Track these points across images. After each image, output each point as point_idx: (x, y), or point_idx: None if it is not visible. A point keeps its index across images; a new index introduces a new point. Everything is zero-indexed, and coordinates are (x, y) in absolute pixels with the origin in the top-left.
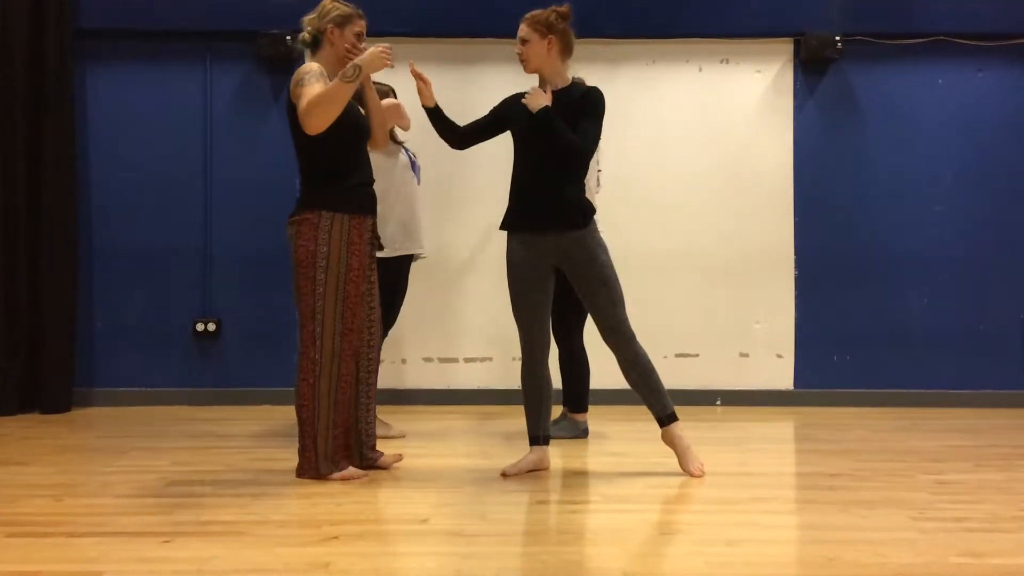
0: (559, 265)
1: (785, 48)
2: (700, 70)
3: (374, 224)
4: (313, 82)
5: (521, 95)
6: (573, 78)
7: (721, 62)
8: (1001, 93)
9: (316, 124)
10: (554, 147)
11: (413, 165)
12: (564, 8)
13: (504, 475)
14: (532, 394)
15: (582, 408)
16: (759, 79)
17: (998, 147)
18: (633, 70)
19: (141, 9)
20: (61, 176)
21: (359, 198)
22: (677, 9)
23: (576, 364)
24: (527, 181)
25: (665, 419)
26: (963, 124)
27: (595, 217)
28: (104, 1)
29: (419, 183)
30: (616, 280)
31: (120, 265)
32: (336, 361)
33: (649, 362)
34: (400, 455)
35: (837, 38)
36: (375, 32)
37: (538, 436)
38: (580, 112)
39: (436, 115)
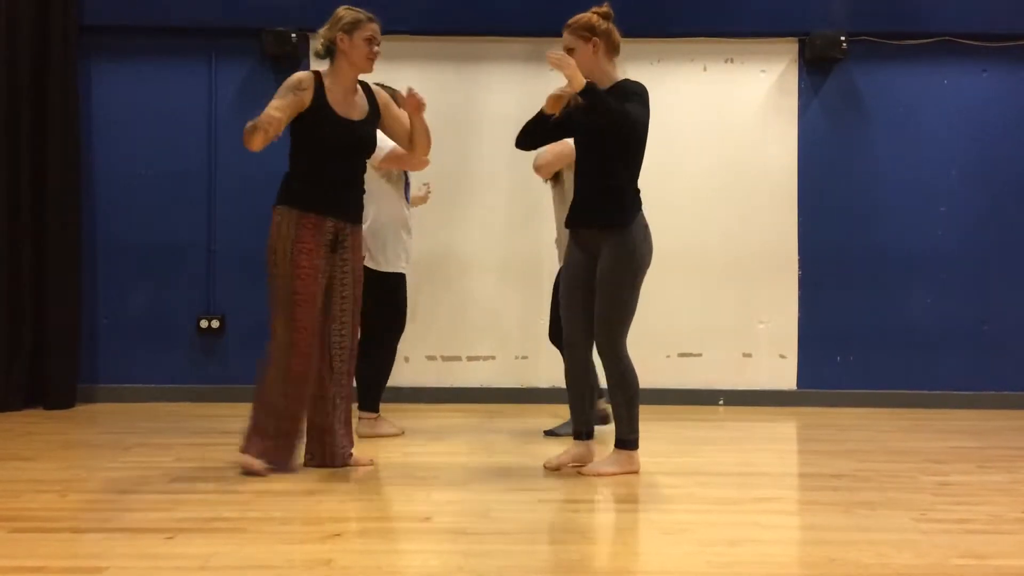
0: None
1: (790, 48)
2: (705, 69)
3: (337, 227)
4: (278, 97)
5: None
6: (625, 80)
7: (726, 62)
8: (1006, 93)
9: (247, 143)
10: (605, 120)
11: (407, 186)
12: (604, 8)
13: (546, 467)
14: (571, 387)
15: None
16: (764, 79)
17: (1003, 147)
18: (637, 69)
19: (146, 5)
20: (65, 172)
21: (312, 197)
22: (682, 8)
23: None
24: (579, 178)
25: (618, 442)
26: (968, 124)
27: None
28: None
29: (408, 202)
30: (623, 301)
31: (124, 262)
32: (286, 356)
33: (628, 388)
34: (372, 460)
35: (842, 38)
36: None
37: (580, 431)
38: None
39: (545, 122)
